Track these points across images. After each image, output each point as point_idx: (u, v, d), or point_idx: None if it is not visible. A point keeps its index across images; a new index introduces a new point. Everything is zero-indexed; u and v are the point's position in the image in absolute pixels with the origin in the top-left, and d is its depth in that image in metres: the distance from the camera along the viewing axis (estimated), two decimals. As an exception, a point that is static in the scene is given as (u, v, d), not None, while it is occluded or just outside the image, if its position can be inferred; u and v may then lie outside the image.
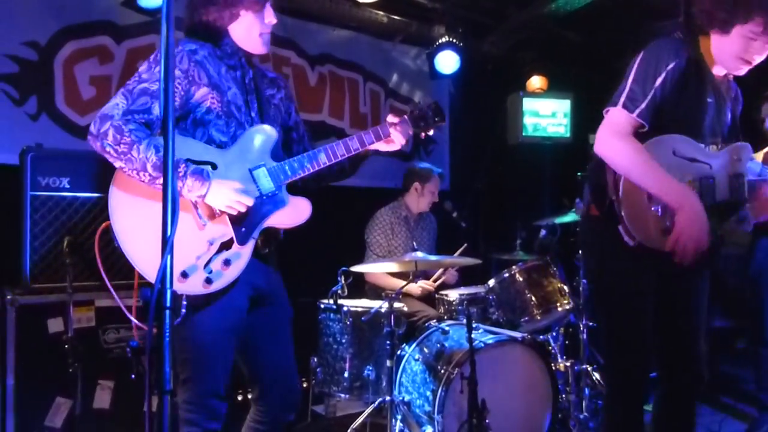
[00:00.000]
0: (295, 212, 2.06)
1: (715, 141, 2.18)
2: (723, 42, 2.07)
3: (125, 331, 3.04)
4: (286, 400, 2.17)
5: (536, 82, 5.62)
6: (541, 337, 3.67)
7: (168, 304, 1.31)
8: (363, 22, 4.90)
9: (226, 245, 1.95)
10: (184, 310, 1.86)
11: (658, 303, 2.19)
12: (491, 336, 3.12)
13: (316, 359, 3.28)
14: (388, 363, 3.02)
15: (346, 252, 3.70)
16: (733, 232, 2.34)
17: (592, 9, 4.73)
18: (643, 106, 2.03)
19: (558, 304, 3.54)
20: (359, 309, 3.21)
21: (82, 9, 3.85)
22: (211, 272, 1.91)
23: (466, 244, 3.88)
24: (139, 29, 4.03)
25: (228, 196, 1.90)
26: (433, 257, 3.24)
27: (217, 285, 1.93)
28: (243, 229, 1.97)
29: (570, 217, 3.89)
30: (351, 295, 3.22)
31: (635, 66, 2.08)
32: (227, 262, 1.94)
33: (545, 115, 5.46)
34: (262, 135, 2.04)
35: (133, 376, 2.64)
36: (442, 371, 2.99)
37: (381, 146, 2.24)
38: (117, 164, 1.87)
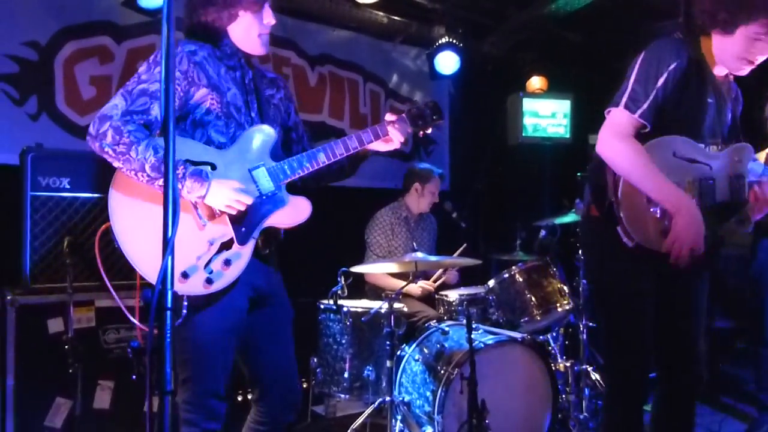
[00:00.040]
0: (295, 212, 2.06)
1: (715, 141, 2.18)
2: (725, 42, 2.07)
3: (125, 331, 3.04)
4: (286, 400, 2.17)
5: (536, 82, 5.62)
6: (541, 337, 3.67)
7: (169, 305, 1.31)
8: (363, 22, 4.90)
9: (226, 245, 1.95)
10: (185, 311, 1.86)
11: (657, 304, 2.19)
12: (491, 336, 3.12)
13: (316, 359, 3.28)
14: (388, 363, 3.02)
15: (346, 252, 3.70)
16: (733, 233, 2.34)
17: (592, 9, 4.73)
18: (645, 106, 2.03)
19: (558, 305, 3.54)
20: (359, 309, 3.20)
21: (82, 9, 3.86)
22: (211, 272, 1.91)
23: (465, 245, 3.88)
24: (140, 29, 4.04)
25: (227, 195, 1.89)
26: (433, 258, 3.24)
27: (218, 285, 1.92)
28: (243, 229, 1.97)
29: (570, 218, 3.89)
30: (351, 296, 3.22)
31: (636, 66, 2.08)
32: (228, 262, 1.94)
33: (545, 115, 5.45)
34: (262, 135, 2.04)
35: (134, 376, 2.64)
36: (442, 372, 2.99)
37: (380, 145, 2.23)
38: (115, 164, 1.87)
